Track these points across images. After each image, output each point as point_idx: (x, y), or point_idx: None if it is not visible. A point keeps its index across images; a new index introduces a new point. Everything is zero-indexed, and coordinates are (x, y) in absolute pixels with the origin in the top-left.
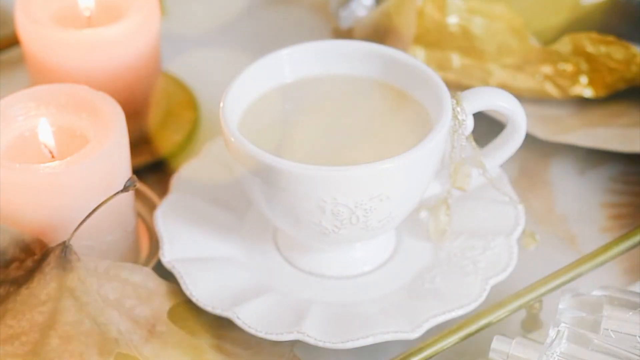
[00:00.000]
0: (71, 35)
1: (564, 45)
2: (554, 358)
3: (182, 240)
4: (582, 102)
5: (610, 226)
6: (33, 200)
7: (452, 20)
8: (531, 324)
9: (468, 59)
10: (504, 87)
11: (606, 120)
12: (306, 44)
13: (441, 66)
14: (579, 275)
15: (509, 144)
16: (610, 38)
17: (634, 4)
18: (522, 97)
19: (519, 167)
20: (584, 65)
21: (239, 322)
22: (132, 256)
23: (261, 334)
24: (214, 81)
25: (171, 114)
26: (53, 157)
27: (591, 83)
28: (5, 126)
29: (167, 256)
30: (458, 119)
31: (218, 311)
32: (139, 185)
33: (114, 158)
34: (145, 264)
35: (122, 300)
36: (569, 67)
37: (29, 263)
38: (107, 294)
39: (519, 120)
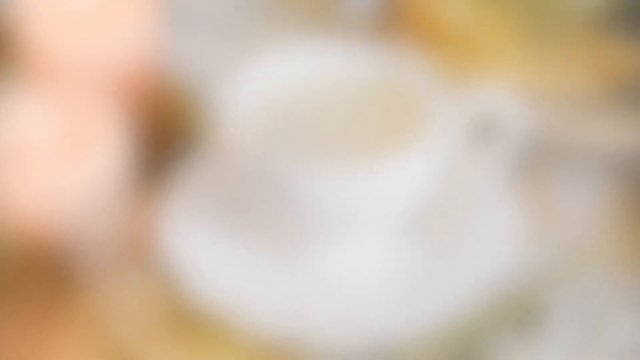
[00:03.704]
0: (71, 35)
1: (564, 45)
2: (554, 358)
3: (183, 240)
4: (582, 102)
5: (610, 226)
6: (34, 199)
7: (452, 20)
8: (531, 324)
9: (468, 59)
10: (504, 87)
11: (606, 120)
12: (306, 44)
13: (442, 66)
14: (579, 274)
15: (508, 144)
16: (610, 38)
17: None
18: (523, 96)
19: (519, 167)
20: (585, 65)
21: (239, 322)
22: (132, 255)
23: (261, 334)
24: (214, 81)
25: (171, 114)
26: (53, 157)
27: (591, 83)
28: (5, 126)
29: (168, 256)
30: (458, 119)
31: (218, 311)
32: (139, 185)
33: (115, 158)
34: (145, 263)
35: (122, 300)
36: (569, 67)
37: (29, 263)
38: (107, 294)
39: (518, 120)
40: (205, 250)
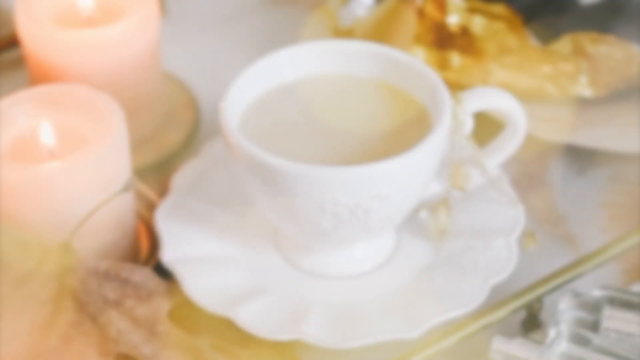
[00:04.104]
0: (71, 35)
1: (564, 45)
2: (554, 358)
3: (182, 240)
4: (582, 102)
5: (610, 226)
6: (33, 200)
7: (452, 20)
8: (531, 324)
9: (468, 59)
10: (504, 87)
11: (606, 120)
12: (306, 44)
13: (441, 66)
14: (579, 275)
15: (509, 144)
16: (610, 38)
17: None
18: (522, 97)
19: (519, 167)
20: (584, 65)
21: (239, 322)
22: (132, 256)
23: (261, 334)
24: (214, 81)
25: (171, 114)
26: (53, 157)
27: (591, 83)
28: (5, 126)
29: (167, 256)
30: (458, 119)
31: (218, 311)
32: (139, 185)
33: (114, 158)
34: (145, 264)
35: (122, 300)
36: (568, 67)
37: (29, 263)
38: (107, 294)
39: (519, 120)
40: (202, 250)
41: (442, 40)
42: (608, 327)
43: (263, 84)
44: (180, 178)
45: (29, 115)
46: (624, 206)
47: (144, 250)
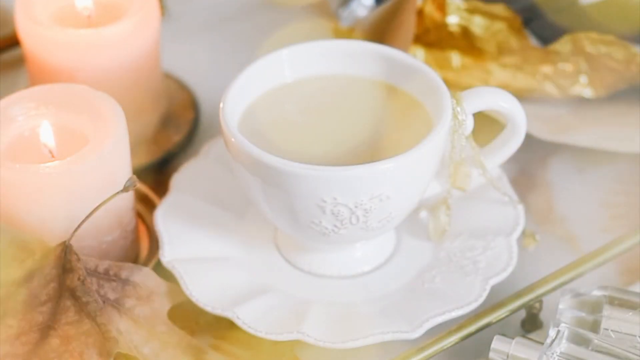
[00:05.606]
0: (71, 35)
1: (564, 45)
2: (554, 358)
3: (182, 240)
4: (582, 102)
5: (610, 226)
6: (33, 200)
7: (452, 20)
8: (531, 324)
9: (468, 59)
10: (504, 87)
11: (606, 120)
12: (306, 44)
13: (441, 66)
14: (579, 275)
15: (509, 144)
16: (610, 38)
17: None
18: (522, 97)
19: (519, 167)
20: (584, 65)
21: (239, 322)
22: (132, 256)
23: (261, 334)
24: (214, 81)
25: (171, 114)
26: (53, 157)
27: (591, 83)
28: (5, 126)
29: (167, 256)
30: (458, 119)
31: (218, 311)
32: (139, 185)
33: (114, 158)
34: (145, 264)
35: (122, 300)
36: (568, 67)
37: (29, 263)
38: (107, 294)
39: (519, 120)
40: (202, 250)
41: (442, 40)
42: (608, 327)
43: (263, 84)
44: (180, 178)
45: (29, 115)
46: (624, 206)
47: (144, 250)
